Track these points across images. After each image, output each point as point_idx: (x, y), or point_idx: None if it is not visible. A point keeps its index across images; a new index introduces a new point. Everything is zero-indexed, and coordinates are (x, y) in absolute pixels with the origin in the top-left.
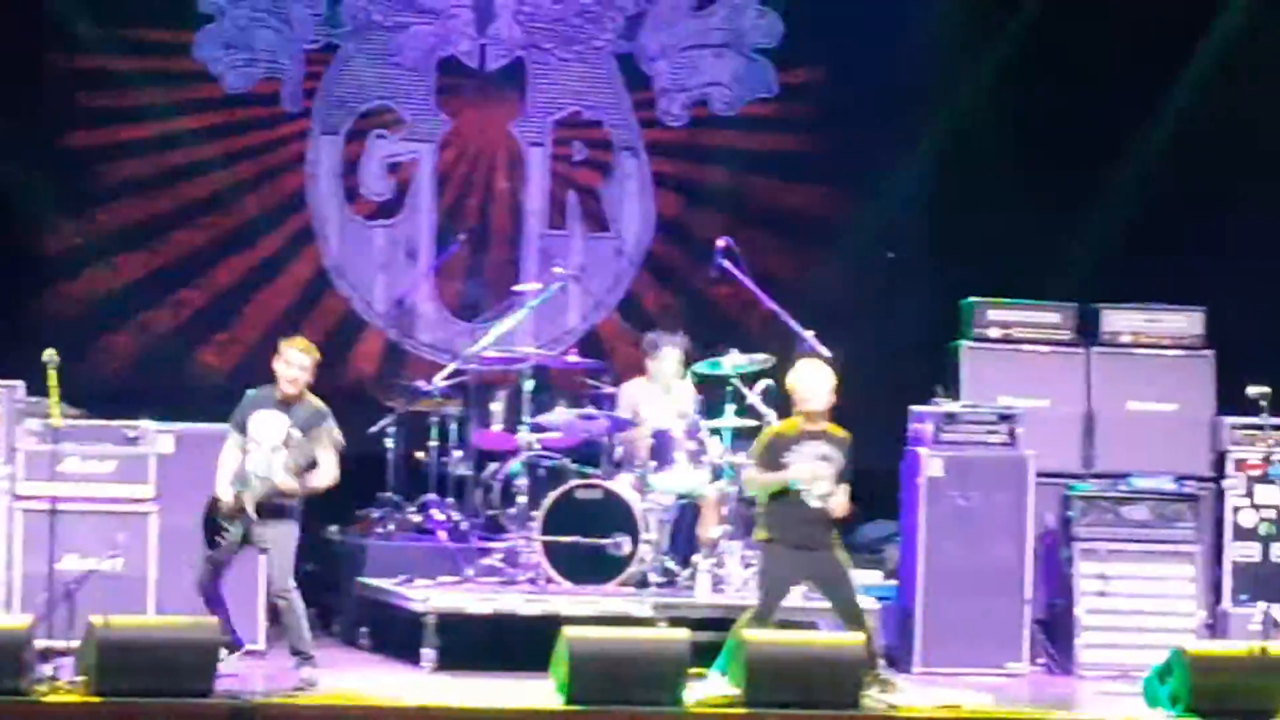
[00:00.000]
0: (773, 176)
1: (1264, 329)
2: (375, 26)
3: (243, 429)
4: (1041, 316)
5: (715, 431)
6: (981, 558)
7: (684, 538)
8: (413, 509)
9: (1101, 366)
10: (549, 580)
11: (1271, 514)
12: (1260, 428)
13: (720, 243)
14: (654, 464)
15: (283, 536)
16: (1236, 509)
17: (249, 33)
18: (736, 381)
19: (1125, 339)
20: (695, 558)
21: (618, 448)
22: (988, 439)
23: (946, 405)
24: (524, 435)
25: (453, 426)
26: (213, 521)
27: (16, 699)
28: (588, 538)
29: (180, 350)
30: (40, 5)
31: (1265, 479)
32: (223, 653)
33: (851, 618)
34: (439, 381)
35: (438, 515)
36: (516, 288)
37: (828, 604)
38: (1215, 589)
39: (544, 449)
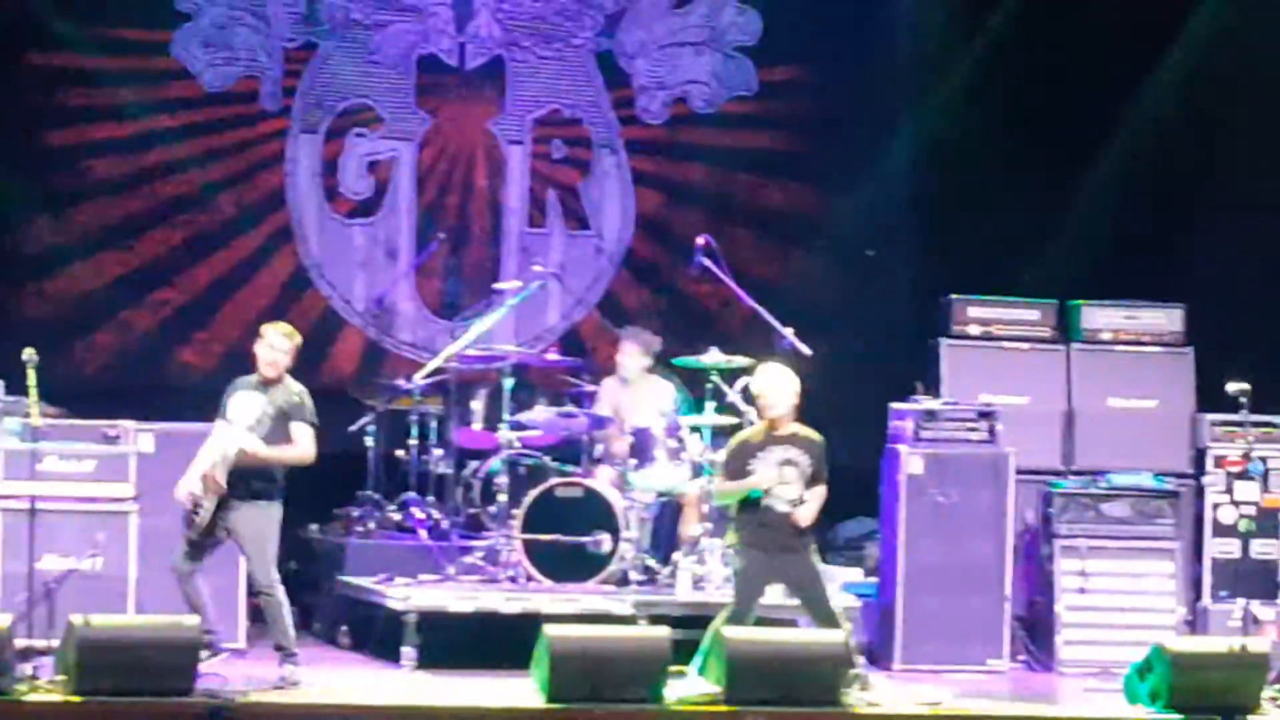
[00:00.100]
0: (752, 174)
1: (1243, 325)
2: (354, 25)
3: (225, 413)
4: (1021, 313)
5: (695, 429)
6: (962, 555)
7: (664, 536)
8: (393, 507)
9: (1081, 363)
10: (529, 578)
11: (1251, 510)
12: (1240, 424)
13: (700, 240)
14: (634, 462)
15: (260, 526)
16: (1216, 505)
17: (228, 31)
18: (716, 379)
19: (1105, 336)
20: (676, 556)
21: (598, 445)
22: (968, 436)
23: (926, 402)
24: (504, 433)
25: (433, 425)
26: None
27: None
28: (568, 536)
29: (160, 349)
30: (18, 4)
31: (1245, 475)
32: (203, 654)
33: (825, 620)
34: (419, 380)
35: (418, 514)
36: (496, 286)
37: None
38: (1195, 585)
39: (524, 447)
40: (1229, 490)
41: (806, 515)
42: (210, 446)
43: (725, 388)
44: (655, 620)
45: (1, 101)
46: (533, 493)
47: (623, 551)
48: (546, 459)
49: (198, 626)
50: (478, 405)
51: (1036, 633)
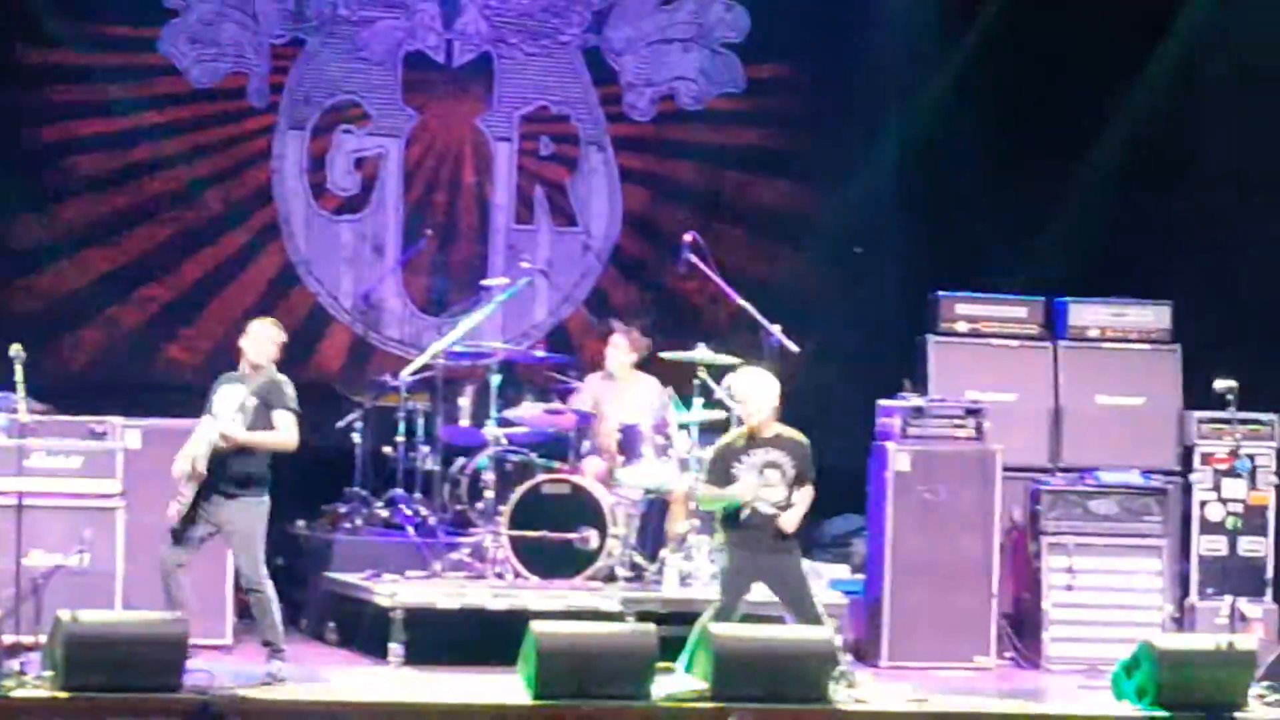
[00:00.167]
0: (740, 171)
1: (1230, 323)
2: (342, 21)
3: (211, 409)
4: (1009, 311)
5: (683, 426)
6: (949, 552)
7: (651, 532)
8: (380, 504)
9: (1069, 361)
10: (516, 575)
11: (1238, 508)
12: (1227, 422)
13: (687, 237)
14: (621, 459)
15: (248, 523)
16: (1203, 503)
17: (215, 27)
18: (704, 375)
19: (1092, 333)
20: (663, 552)
21: (585, 442)
22: (955, 433)
23: (914, 399)
24: (491, 430)
25: (420, 421)
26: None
27: None
28: (555, 532)
29: (147, 346)
30: (5, 0)
31: (1232, 473)
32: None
33: (809, 620)
34: (406, 376)
35: (405, 510)
36: (484, 282)
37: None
38: (1182, 583)
39: (511, 444)
40: (1216, 488)
41: (791, 521)
42: (195, 440)
43: (713, 384)
44: (642, 617)
45: None
46: (520, 489)
47: (610, 548)
48: (533, 455)
49: (185, 623)
50: (465, 402)
51: (1023, 630)
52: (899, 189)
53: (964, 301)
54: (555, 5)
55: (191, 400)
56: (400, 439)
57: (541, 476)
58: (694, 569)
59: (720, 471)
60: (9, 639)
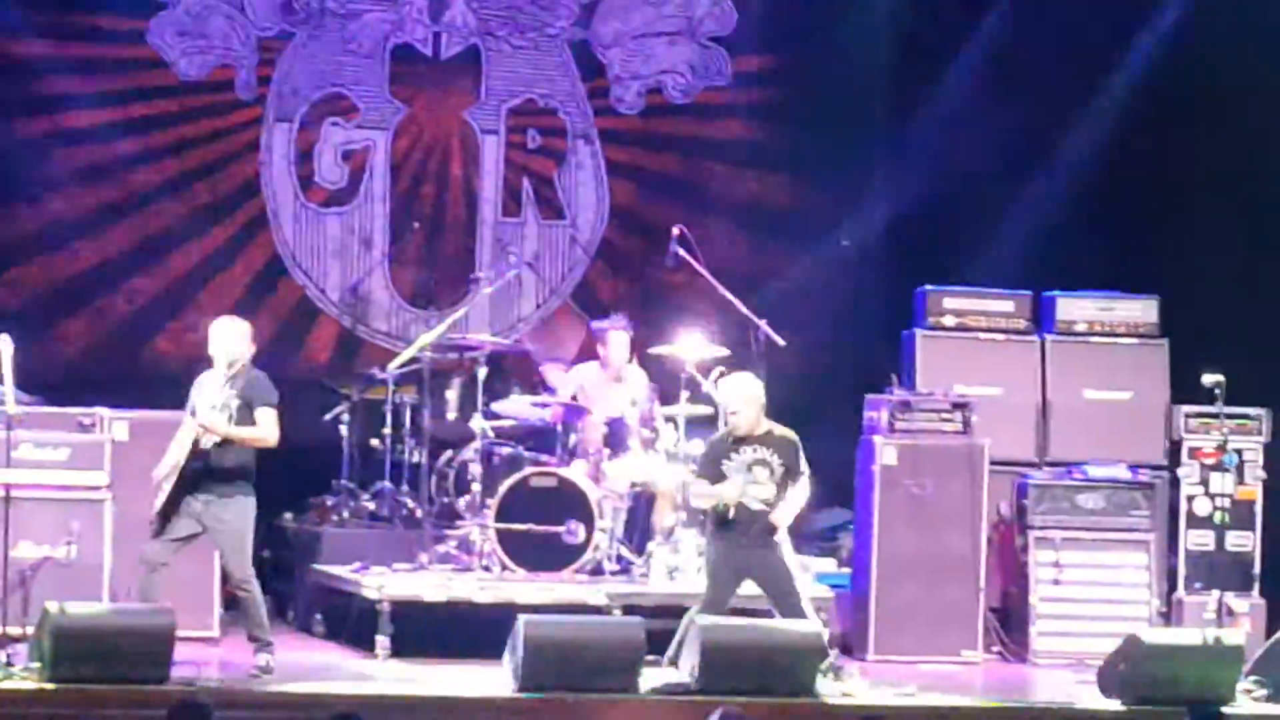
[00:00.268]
0: (727, 164)
1: (1218, 317)
2: (329, 14)
3: (191, 409)
4: (996, 305)
5: (669, 419)
6: (936, 546)
7: (639, 526)
8: (367, 496)
9: (1056, 355)
10: (504, 568)
11: (1226, 502)
12: (1215, 416)
13: (675, 231)
14: (608, 452)
15: (236, 522)
16: (1191, 497)
17: (203, 20)
18: (691, 369)
19: (1080, 327)
20: (650, 546)
21: (572, 435)
22: (942, 427)
23: (901, 393)
24: (478, 423)
25: (407, 414)
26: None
27: None
28: (542, 525)
29: (134, 337)
30: None
31: (1220, 467)
32: None
33: (794, 615)
34: (393, 369)
35: (392, 503)
36: (471, 275)
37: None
38: (1169, 577)
39: (498, 436)
40: (1204, 482)
41: (783, 517)
42: (179, 440)
43: (700, 378)
44: (629, 610)
45: None
46: (507, 482)
47: (597, 541)
48: (520, 448)
49: (172, 614)
50: (452, 394)
51: (1011, 624)
52: (886, 182)
53: (951, 295)
54: None
55: (179, 392)
56: (387, 431)
57: (529, 470)
58: (681, 562)
59: (711, 468)
60: None
